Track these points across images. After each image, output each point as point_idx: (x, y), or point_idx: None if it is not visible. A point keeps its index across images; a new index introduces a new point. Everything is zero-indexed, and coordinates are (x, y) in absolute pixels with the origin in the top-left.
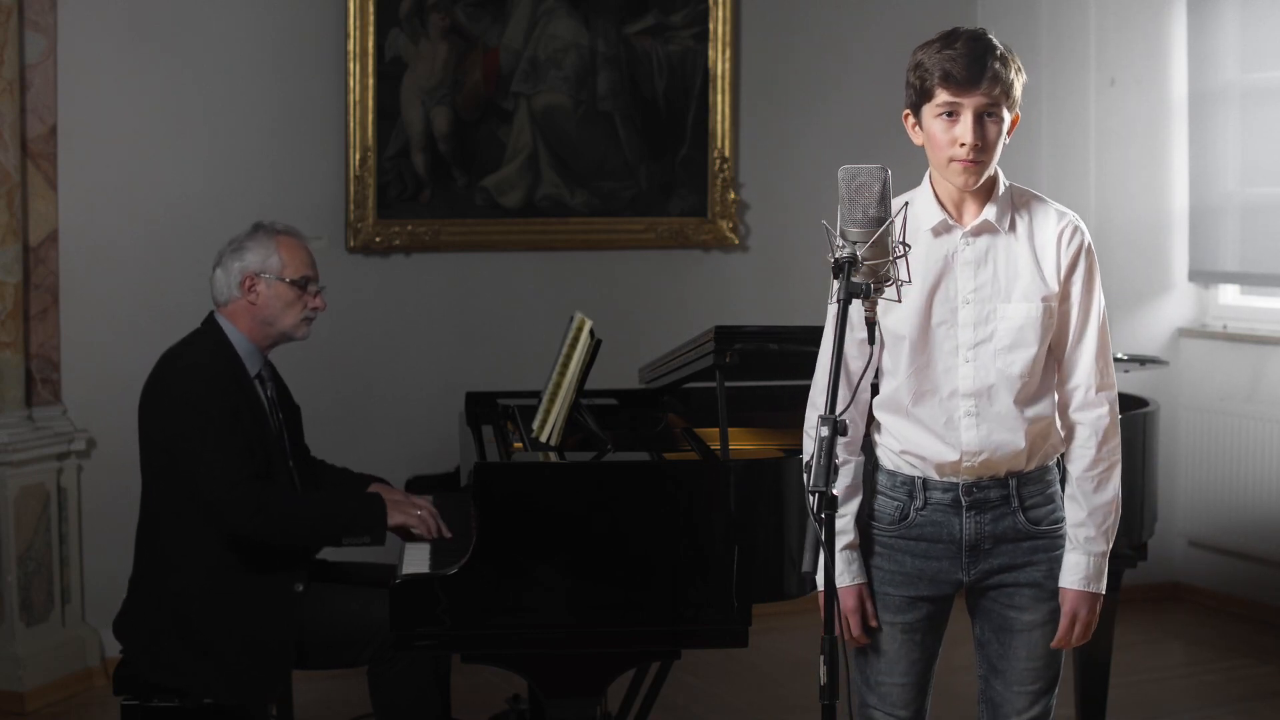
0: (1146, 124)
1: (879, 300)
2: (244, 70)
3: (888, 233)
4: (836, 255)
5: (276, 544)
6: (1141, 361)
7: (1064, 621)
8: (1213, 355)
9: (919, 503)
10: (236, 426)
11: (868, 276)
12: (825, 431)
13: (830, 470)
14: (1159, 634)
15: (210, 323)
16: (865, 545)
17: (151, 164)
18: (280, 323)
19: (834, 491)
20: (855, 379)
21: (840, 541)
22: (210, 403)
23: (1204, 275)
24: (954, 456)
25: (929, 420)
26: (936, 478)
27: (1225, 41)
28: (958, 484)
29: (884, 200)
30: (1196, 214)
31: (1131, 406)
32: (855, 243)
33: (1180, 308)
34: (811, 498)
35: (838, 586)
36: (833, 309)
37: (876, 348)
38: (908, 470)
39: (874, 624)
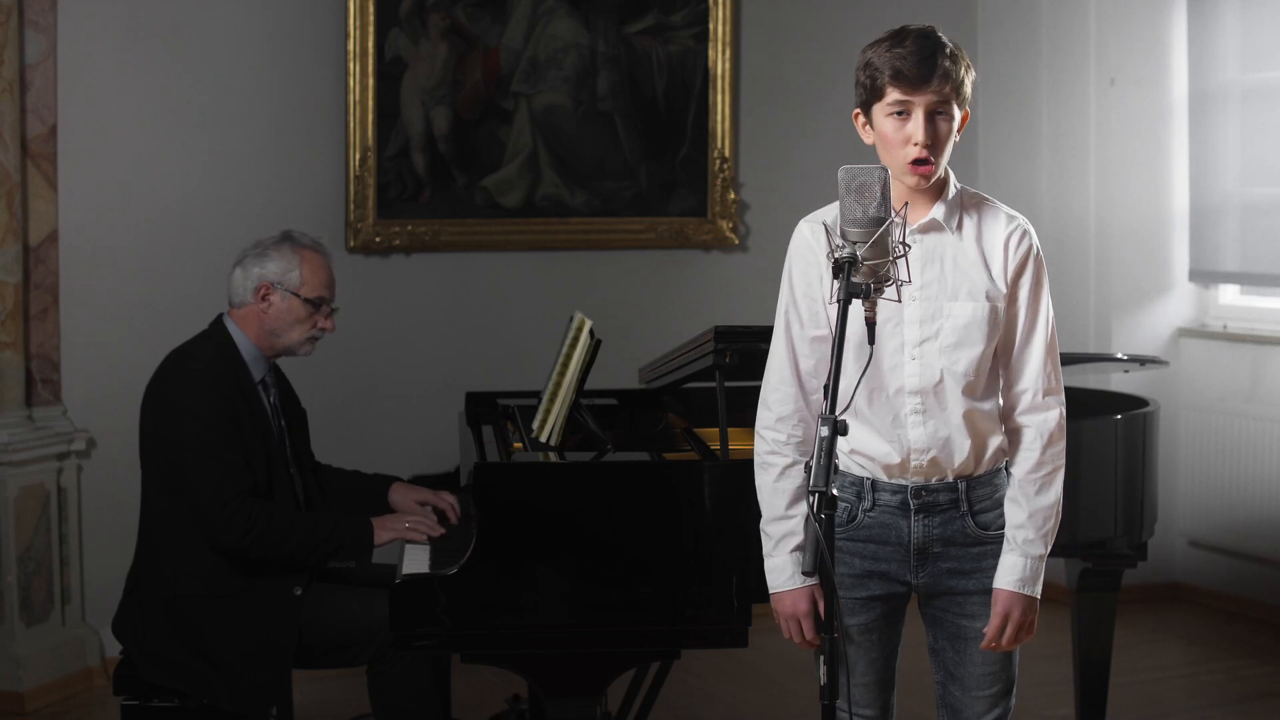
0: (1146, 124)
1: (827, 301)
2: (244, 70)
3: (888, 233)
4: (836, 255)
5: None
6: (1141, 361)
7: (995, 620)
8: (1213, 355)
9: (867, 504)
10: (236, 437)
11: (868, 276)
12: (825, 431)
13: (830, 470)
14: (1159, 634)
15: (218, 325)
16: None
17: (151, 164)
18: (285, 337)
19: (834, 492)
20: (809, 379)
21: (790, 544)
22: (210, 411)
23: (1204, 275)
24: (900, 457)
25: (876, 419)
26: (885, 479)
27: (1225, 41)
28: (907, 486)
29: (884, 200)
30: (1196, 214)
31: (1131, 406)
32: (855, 243)
33: (1180, 308)
34: (811, 498)
35: (787, 589)
36: (784, 306)
37: (812, 344)
38: (857, 471)
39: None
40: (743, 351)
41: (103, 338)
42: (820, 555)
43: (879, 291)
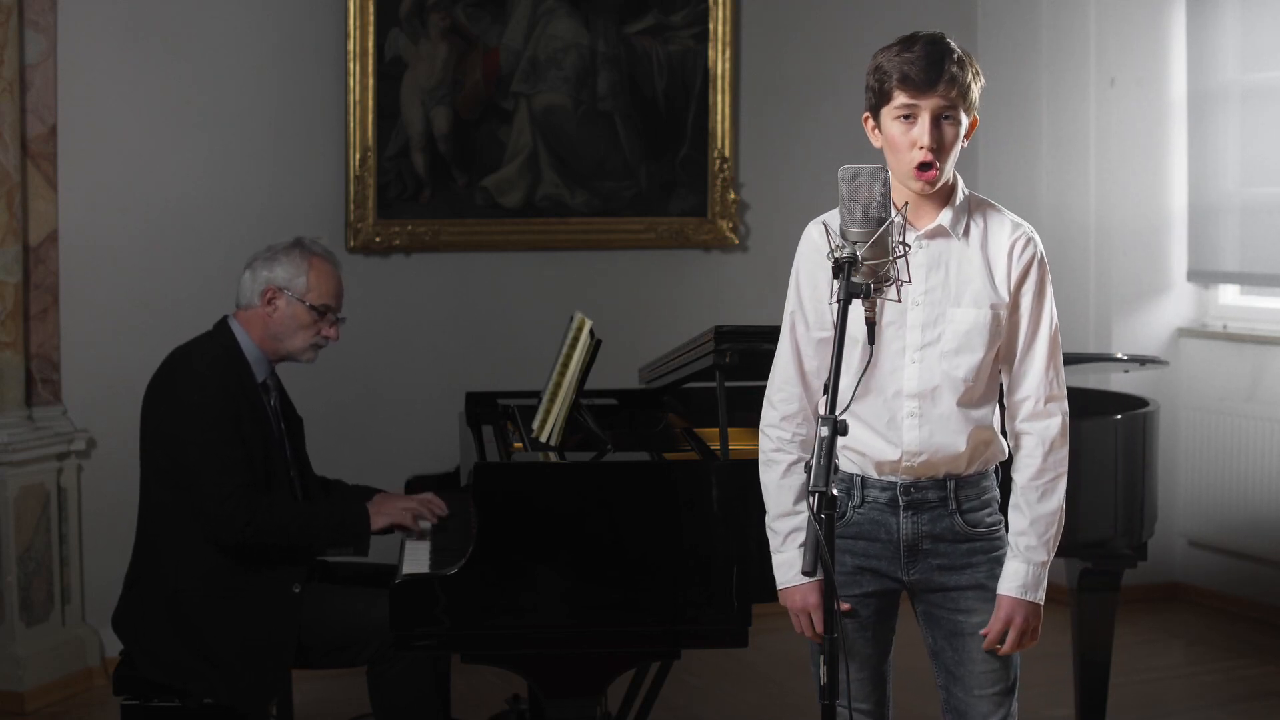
0: (1146, 124)
1: (832, 303)
2: (244, 70)
3: (888, 233)
4: (836, 255)
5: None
6: (1141, 361)
7: (996, 625)
8: (1213, 355)
9: (856, 500)
10: (237, 434)
11: (868, 276)
12: (825, 431)
13: (830, 470)
14: (1159, 634)
15: (222, 326)
16: None
17: (151, 164)
18: (288, 342)
19: (834, 492)
20: (813, 379)
21: (797, 539)
22: (212, 409)
23: (1203, 275)
24: (895, 455)
25: (871, 418)
26: (875, 475)
27: (1225, 41)
28: (896, 483)
29: (884, 200)
30: (1196, 214)
31: (1131, 406)
32: (855, 243)
33: (1180, 308)
34: (811, 498)
35: (795, 585)
36: (790, 307)
37: (817, 346)
38: (846, 467)
39: (845, 607)
40: (743, 351)
41: (103, 338)
42: (820, 555)
43: (879, 291)
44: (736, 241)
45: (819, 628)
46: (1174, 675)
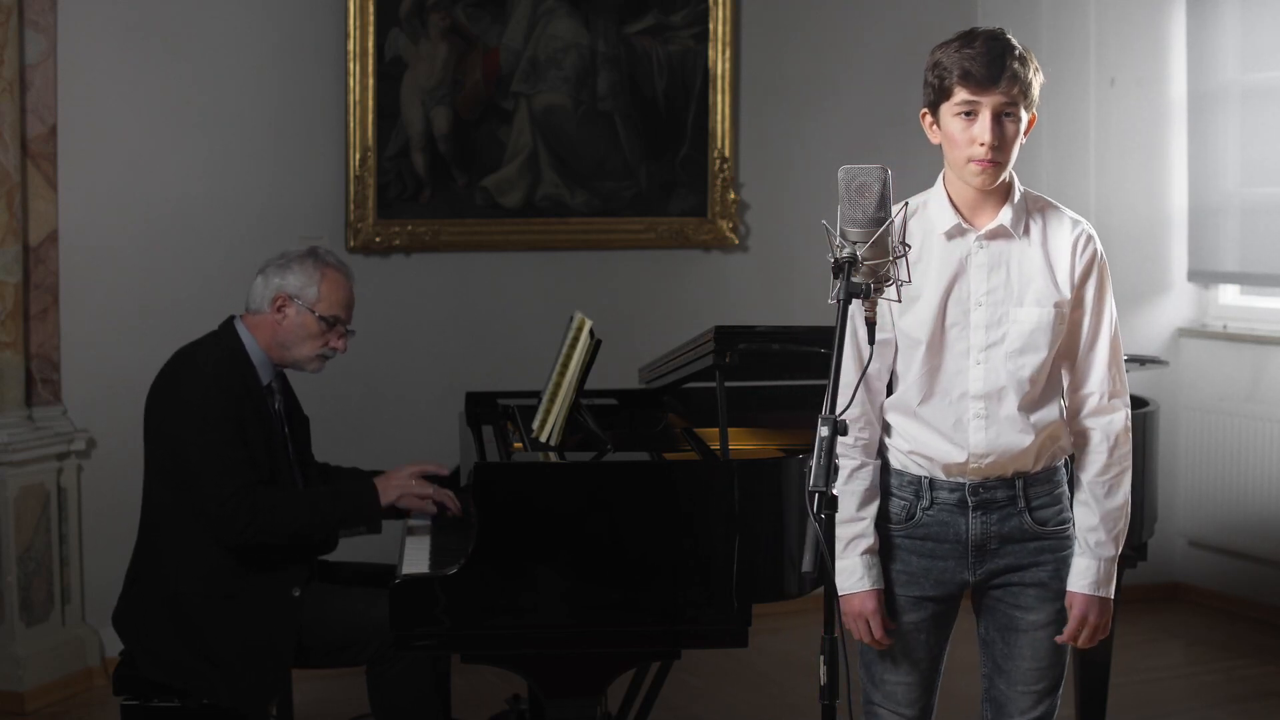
0: (1146, 124)
1: (893, 303)
2: (244, 70)
3: (888, 233)
4: (836, 255)
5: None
6: (1141, 361)
7: (1073, 624)
8: (1213, 355)
9: (925, 502)
10: (239, 435)
11: (868, 277)
12: (825, 431)
13: (830, 470)
14: (1159, 634)
15: (228, 326)
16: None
17: (151, 164)
18: (295, 351)
19: (834, 492)
20: (874, 380)
21: (861, 545)
22: (216, 410)
23: (1203, 275)
24: (962, 457)
25: (937, 421)
26: (943, 478)
27: (1225, 41)
28: (964, 484)
29: (884, 200)
30: (1196, 214)
31: (1132, 406)
32: (855, 243)
33: (1180, 308)
34: (810, 497)
35: (855, 592)
36: (850, 310)
37: (878, 347)
38: (914, 470)
39: (890, 626)
40: (743, 351)
41: (103, 338)
42: (820, 555)
43: (879, 291)
44: (736, 241)
45: (878, 633)
46: (1174, 675)
